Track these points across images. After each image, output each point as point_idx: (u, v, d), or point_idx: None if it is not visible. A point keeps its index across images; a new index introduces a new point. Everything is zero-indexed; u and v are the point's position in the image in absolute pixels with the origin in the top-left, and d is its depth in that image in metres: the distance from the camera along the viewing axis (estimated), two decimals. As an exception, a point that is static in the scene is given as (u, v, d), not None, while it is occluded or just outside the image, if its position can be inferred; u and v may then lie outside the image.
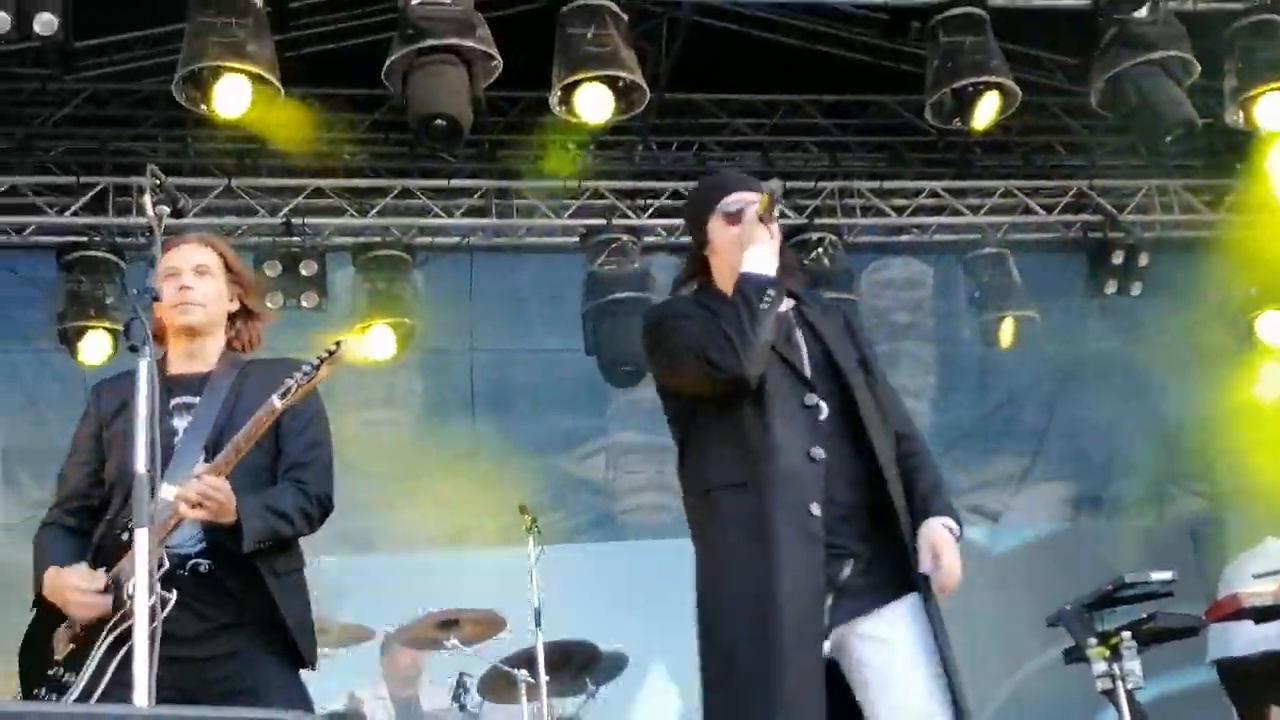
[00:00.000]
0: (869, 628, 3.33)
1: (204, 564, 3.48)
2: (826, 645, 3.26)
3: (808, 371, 3.45)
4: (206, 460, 3.46)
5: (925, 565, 3.39)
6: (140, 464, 3.14)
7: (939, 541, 3.41)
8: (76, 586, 3.43)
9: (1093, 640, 5.86)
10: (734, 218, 3.54)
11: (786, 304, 3.57)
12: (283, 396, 3.36)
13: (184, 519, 3.37)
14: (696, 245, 3.66)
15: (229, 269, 3.79)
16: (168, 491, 3.35)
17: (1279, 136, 7.92)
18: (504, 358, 9.20)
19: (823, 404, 3.42)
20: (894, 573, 3.38)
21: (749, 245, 3.44)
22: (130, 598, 3.27)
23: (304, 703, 3.51)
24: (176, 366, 3.70)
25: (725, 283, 3.53)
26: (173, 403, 3.61)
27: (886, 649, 3.31)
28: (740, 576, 3.29)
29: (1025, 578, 9.52)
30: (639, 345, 8.06)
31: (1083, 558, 9.14)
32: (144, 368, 3.23)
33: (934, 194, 9.13)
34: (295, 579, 3.63)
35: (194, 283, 3.68)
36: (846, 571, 3.32)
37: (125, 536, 3.37)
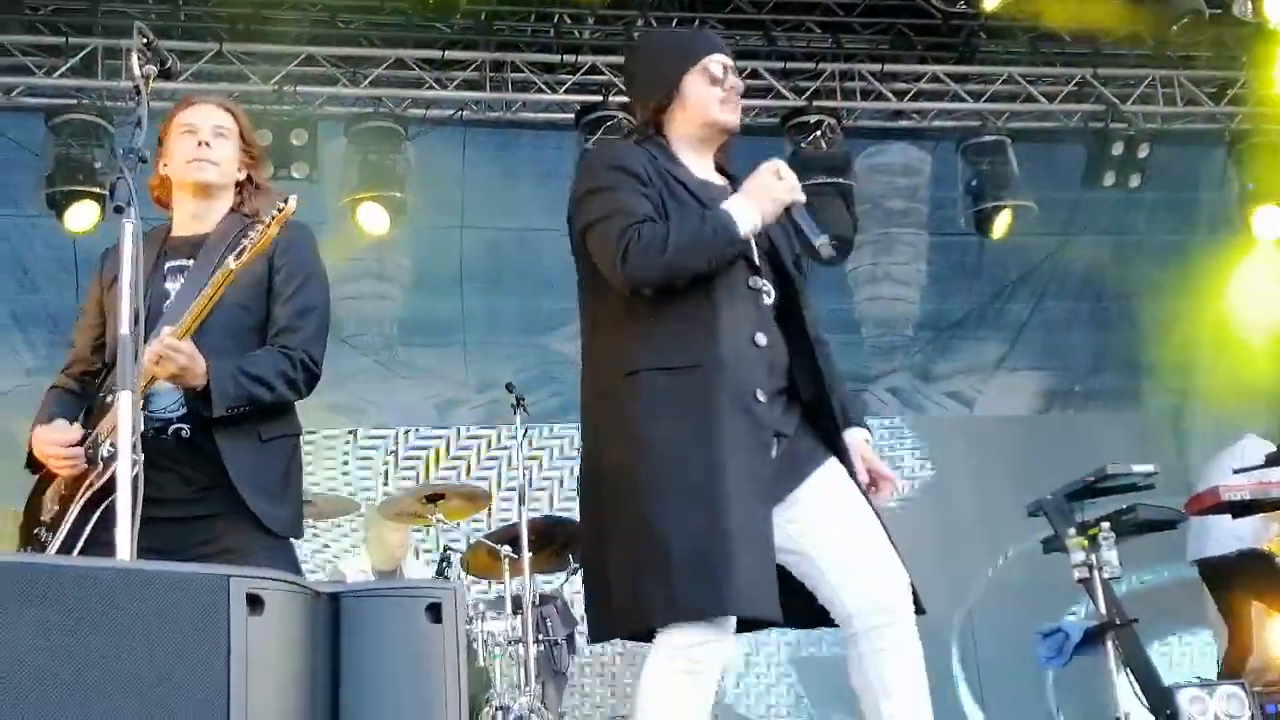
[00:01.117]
0: (804, 496, 3.24)
1: (184, 429, 3.47)
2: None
3: (754, 254, 3.33)
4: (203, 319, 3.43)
5: (863, 479, 3.37)
6: (124, 326, 3.12)
7: (869, 457, 3.42)
8: (51, 440, 3.46)
9: (1072, 530, 5.94)
10: (714, 78, 3.42)
11: (724, 180, 3.47)
12: (237, 256, 3.32)
13: (154, 381, 3.36)
14: (660, 98, 3.42)
15: (243, 137, 3.76)
16: (146, 357, 3.33)
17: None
18: (494, 235, 9.15)
19: (769, 288, 3.34)
20: (816, 444, 3.30)
21: (758, 194, 3.29)
22: (104, 458, 3.31)
23: (290, 565, 3.52)
24: (179, 228, 3.70)
25: (684, 139, 3.42)
26: (167, 265, 3.61)
27: (825, 509, 3.23)
28: (674, 459, 3.09)
29: (1005, 466, 9.59)
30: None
31: (1063, 447, 9.19)
32: (129, 229, 3.20)
33: (936, 79, 9.02)
34: (282, 444, 3.59)
35: (212, 141, 3.66)
36: (774, 453, 3.22)
37: (110, 399, 3.36)
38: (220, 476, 3.45)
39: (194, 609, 2.00)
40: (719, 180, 3.47)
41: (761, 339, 3.25)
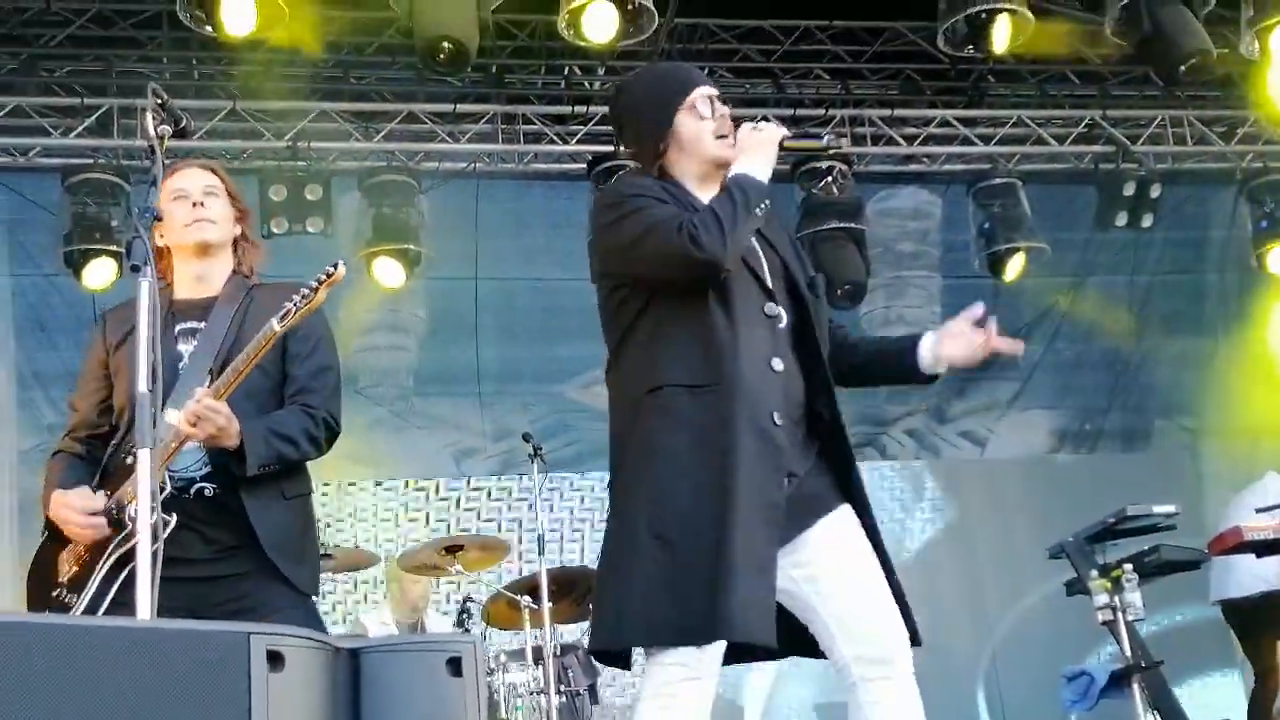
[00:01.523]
0: (811, 539, 3.22)
1: (209, 488, 3.48)
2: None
3: (769, 281, 3.34)
4: (212, 384, 3.45)
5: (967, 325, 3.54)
6: (142, 384, 3.13)
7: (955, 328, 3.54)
8: (74, 507, 3.45)
9: (1094, 572, 5.89)
10: (704, 115, 3.40)
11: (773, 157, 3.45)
12: (281, 319, 3.35)
13: (186, 441, 3.37)
14: (656, 140, 3.41)
15: (230, 194, 3.79)
16: (172, 416, 3.35)
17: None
18: (509, 286, 9.18)
19: (783, 314, 3.32)
20: (830, 488, 3.30)
21: (756, 152, 3.32)
22: (132, 520, 3.30)
23: (315, 621, 3.52)
24: (183, 292, 3.70)
25: (687, 177, 3.41)
26: (178, 328, 3.61)
27: (833, 558, 3.22)
28: (687, 478, 3.10)
29: (1024, 508, 9.56)
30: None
31: (1081, 488, 9.16)
32: (145, 287, 3.21)
33: (945, 123, 9.04)
34: (303, 503, 3.63)
35: (203, 200, 3.69)
36: (787, 490, 3.18)
37: (129, 460, 3.36)
38: (245, 536, 3.45)
39: (215, 667, 1.99)
40: None
41: (778, 364, 3.24)
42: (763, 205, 3.23)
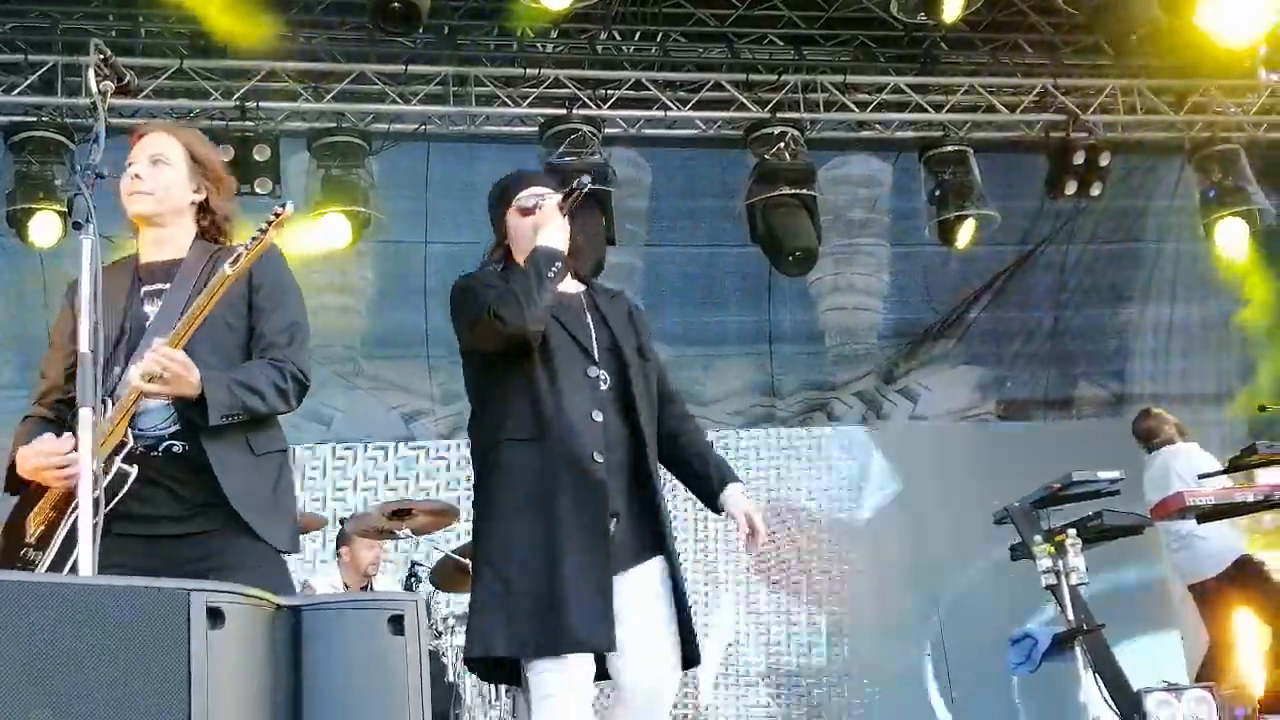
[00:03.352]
0: (628, 580, 3.69)
1: (178, 445, 3.43)
2: None
3: (594, 349, 3.85)
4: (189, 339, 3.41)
5: (743, 534, 3.88)
6: (83, 344, 3.11)
7: (751, 510, 3.90)
8: (41, 451, 3.39)
9: (1039, 537, 5.96)
10: (527, 210, 3.89)
11: (578, 288, 3.98)
12: (232, 263, 3.33)
13: (143, 393, 3.31)
14: (498, 235, 4.00)
15: (194, 158, 3.70)
16: (134, 373, 3.31)
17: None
18: (458, 250, 9.14)
19: (604, 375, 3.82)
20: (647, 534, 3.78)
21: (544, 226, 3.81)
22: (93, 475, 3.26)
23: (284, 580, 3.49)
24: (147, 256, 3.66)
25: (521, 254, 3.87)
26: (144, 290, 3.57)
27: (638, 601, 3.69)
28: (522, 517, 3.64)
29: (972, 474, 9.66)
30: (597, 240, 8.09)
31: (1030, 454, 9.26)
32: (87, 245, 3.19)
33: (898, 90, 9.06)
34: (273, 459, 3.56)
35: (145, 173, 3.62)
36: (612, 527, 3.68)
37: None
38: (214, 493, 3.41)
39: (155, 624, 1.98)
40: (574, 288, 3.98)
41: (598, 416, 3.75)
42: (554, 268, 3.73)
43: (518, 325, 3.67)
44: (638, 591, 3.70)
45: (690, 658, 3.77)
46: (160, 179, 3.64)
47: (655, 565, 3.78)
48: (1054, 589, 5.89)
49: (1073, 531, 5.87)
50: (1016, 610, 8.22)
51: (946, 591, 9.64)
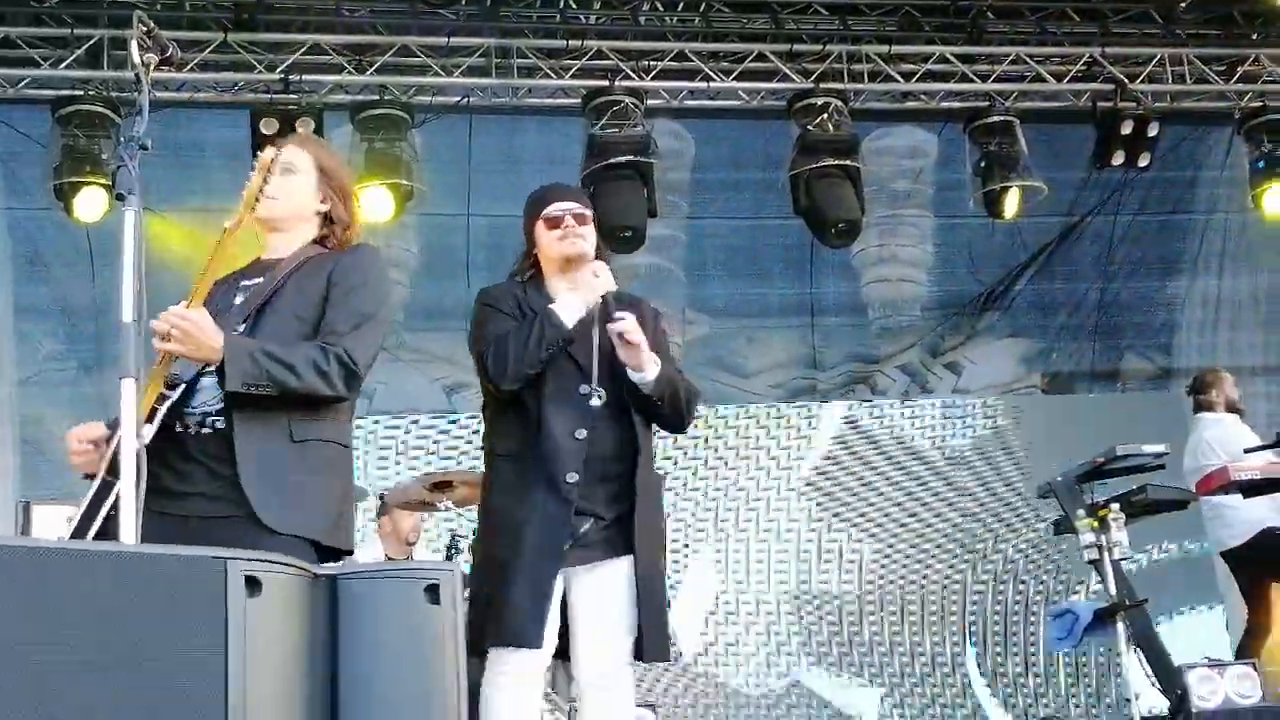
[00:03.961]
0: (590, 576, 4.00)
1: (220, 422, 3.40)
2: (559, 582, 3.95)
3: (594, 365, 4.08)
4: (259, 319, 3.49)
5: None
6: (126, 314, 3.13)
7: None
8: (74, 435, 3.44)
9: (1081, 512, 5.93)
10: (553, 222, 4.15)
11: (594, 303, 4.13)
12: (230, 220, 3.44)
13: (169, 355, 3.32)
14: (528, 244, 4.25)
15: (322, 169, 3.75)
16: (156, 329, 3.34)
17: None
18: (501, 223, 9.14)
19: (600, 392, 4.07)
20: (617, 540, 4.02)
21: (571, 286, 4.09)
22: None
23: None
24: (265, 255, 3.73)
25: (550, 274, 4.19)
26: (241, 283, 3.62)
27: (596, 595, 4.00)
28: (495, 529, 4.05)
29: (1016, 448, 9.63)
30: (639, 210, 8.20)
31: (1073, 428, 9.21)
32: (130, 217, 3.21)
33: (943, 59, 8.98)
34: (319, 449, 3.48)
35: (275, 179, 3.64)
36: (586, 527, 3.98)
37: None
38: (226, 478, 3.37)
39: (192, 592, 2.00)
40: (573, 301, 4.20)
41: (581, 434, 4.01)
42: (550, 348, 4.00)
43: (497, 380, 4.02)
44: (599, 588, 4.01)
45: (652, 652, 4.02)
46: (286, 186, 3.69)
47: (622, 564, 4.03)
48: (1096, 563, 5.87)
49: (1116, 506, 5.84)
50: (1058, 585, 8.19)
51: (988, 566, 9.61)
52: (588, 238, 4.17)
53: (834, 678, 9.36)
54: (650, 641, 4.01)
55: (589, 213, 4.23)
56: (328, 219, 3.76)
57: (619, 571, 4.03)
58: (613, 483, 4.06)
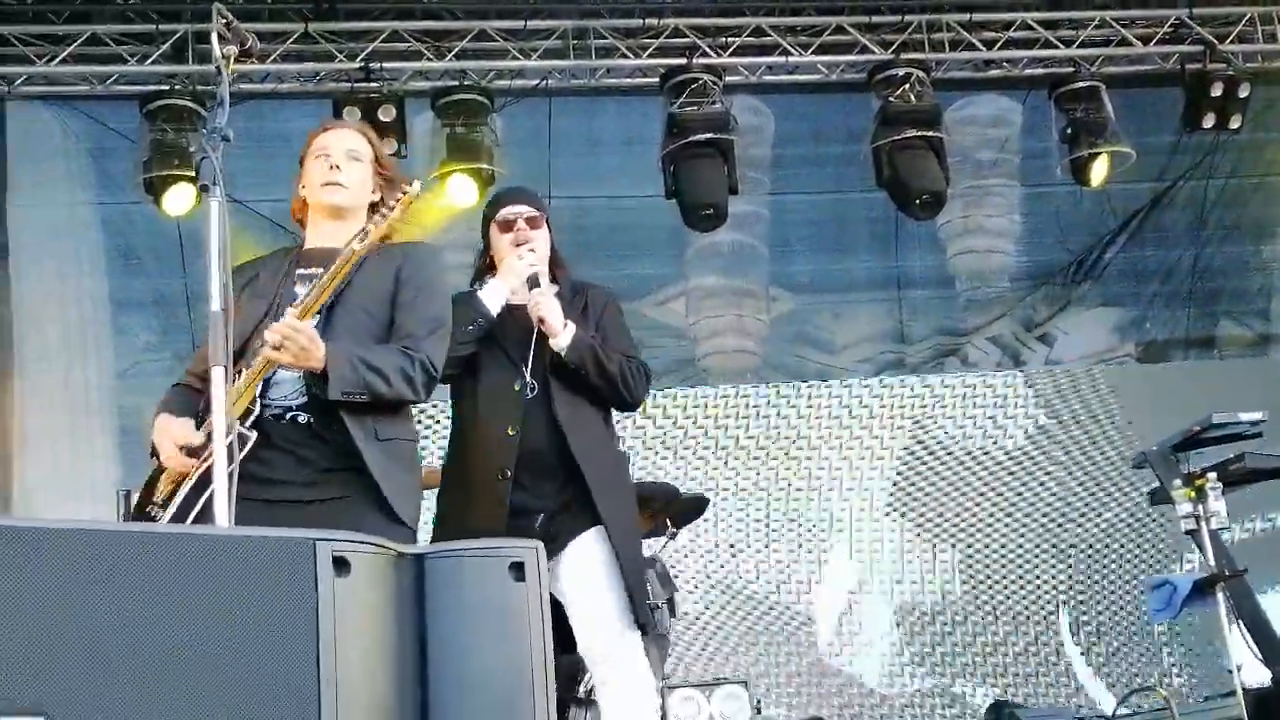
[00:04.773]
0: (563, 562, 4.05)
1: (302, 416, 3.52)
2: None
3: (529, 358, 4.21)
4: (331, 317, 3.54)
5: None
6: (214, 303, 3.18)
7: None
8: (172, 435, 3.49)
9: (1178, 481, 5.82)
10: (504, 226, 4.38)
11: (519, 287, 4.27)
12: (361, 240, 3.46)
13: (273, 363, 3.42)
14: (484, 247, 4.48)
15: (377, 160, 3.83)
16: (269, 336, 3.43)
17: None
18: (582, 204, 9.17)
19: (533, 384, 4.19)
20: (578, 517, 4.09)
21: (502, 274, 4.28)
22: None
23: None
24: (313, 242, 3.78)
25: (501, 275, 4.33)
26: (299, 273, 3.67)
27: (571, 575, 4.06)
28: (448, 532, 4.08)
29: (1111, 417, 9.49)
30: (720, 188, 8.23)
31: (1168, 397, 9.06)
32: (215, 207, 3.26)
33: (1026, 26, 8.84)
34: (397, 447, 3.60)
35: (344, 164, 3.73)
36: (538, 523, 4.06)
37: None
38: (338, 460, 3.49)
39: (281, 572, 2.03)
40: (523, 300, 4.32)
41: (513, 431, 4.11)
42: (475, 324, 4.15)
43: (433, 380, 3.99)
44: (577, 565, 4.06)
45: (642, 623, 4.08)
46: (355, 174, 3.76)
47: (591, 535, 4.08)
48: (1194, 534, 5.76)
49: (1213, 475, 5.72)
50: (1155, 556, 8.07)
51: (1084, 537, 9.50)
52: (538, 240, 4.35)
53: (929, 660, 9.33)
54: (638, 612, 4.05)
55: (541, 214, 4.42)
56: (372, 207, 3.77)
57: (588, 544, 4.08)
58: (555, 472, 4.13)
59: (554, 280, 4.43)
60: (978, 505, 9.60)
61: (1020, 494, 9.64)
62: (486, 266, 4.45)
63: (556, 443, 4.13)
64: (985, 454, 9.73)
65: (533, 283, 4.27)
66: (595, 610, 4.03)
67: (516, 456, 4.09)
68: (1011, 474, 9.71)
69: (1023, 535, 9.56)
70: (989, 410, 9.88)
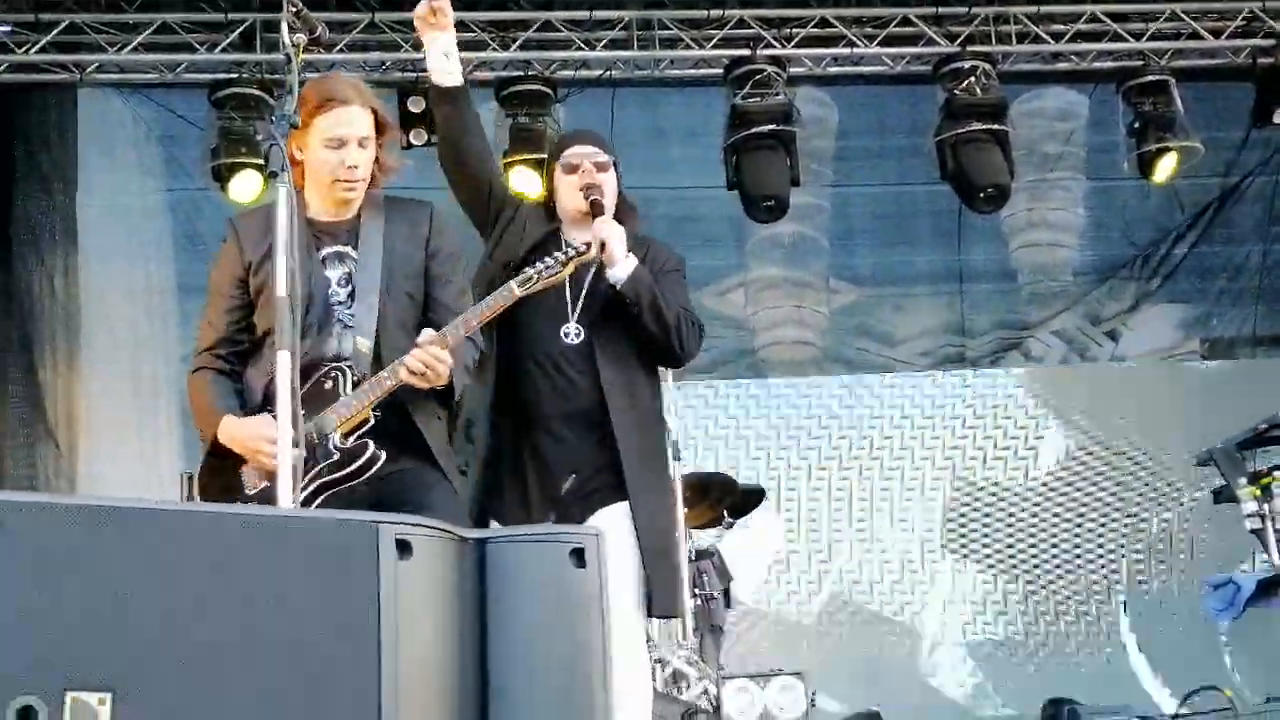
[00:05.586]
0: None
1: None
2: None
3: (579, 303, 4.00)
4: (382, 311, 3.60)
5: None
6: (281, 289, 3.21)
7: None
8: (261, 437, 3.45)
9: (1243, 480, 5.77)
10: (569, 168, 4.11)
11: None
12: (522, 285, 3.62)
13: (402, 383, 3.50)
14: (547, 187, 4.26)
15: (377, 121, 3.73)
16: (364, 344, 3.55)
17: None
18: (645, 195, 9.14)
19: (579, 330, 3.98)
20: (610, 487, 3.91)
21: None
22: (337, 449, 3.49)
23: (460, 511, 3.67)
24: (322, 214, 3.73)
25: (563, 211, 4.15)
26: (323, 252, 3.66)
27: None
28: (506, 486, 3.99)
29: (1175, 415, 9.40)
30: (781, 179, 8.16)
31: (1233, 395, 8.95)
32: (283, 194, 3.30)
33: (1094, 18, 8.74)
34: (449, 420, 3.76)
35: (358, 159, 3.65)
36: (566, 485, 3.89)
37: (328, 384, 3.53)
38: (406, 441, 3.59)
39: (345, 555, 2.05)
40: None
41: (561, 379, 3.95)
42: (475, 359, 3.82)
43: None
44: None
45: (661, 606, 3.91)
46: (366, 158, 3.68)
47: (619, 510, 3.89)
48: (1259, 533, 5.71)
49: (1279, 473, 5.67)
50: (1221, 554, 7.98)
51: (1147, 535, 9.41)
52: (606, 185, 4.09)
53: (992, 636, 9.30)
54: (659, 595, 3.87)
55: (610, 159, 4.15)
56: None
57: (615, 519, 3.86)
58: (591, 429, 3.94)
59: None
60: (1037, 503, 9.53)
61: (1081, 489, 9.55)
62: (548, 210, 4.22)
63: (595, 398, 3.95)
64: (1049, 447, 9.67)
65: (596, 209, 4.03)
66: (617, 594, 3.97)
67: (554, 405, 3.95)
68: (1074, 471, 9.63)
69: (1082, 531, 9.48)
70: (1051, 404, 9.81)
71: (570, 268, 3.67)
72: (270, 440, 3.37)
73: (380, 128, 3.73)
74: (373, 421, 3.53)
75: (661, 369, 4.30)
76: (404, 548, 2.06)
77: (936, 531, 9.48)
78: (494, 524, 3.96)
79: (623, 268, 3.95)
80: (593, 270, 4.01)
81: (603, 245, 3.94)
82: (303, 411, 3.21)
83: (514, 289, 3.61)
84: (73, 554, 1.96)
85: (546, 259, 3.68)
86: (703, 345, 4.30)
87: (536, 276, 3.63)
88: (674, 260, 4.24)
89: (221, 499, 3.59)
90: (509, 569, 2.15)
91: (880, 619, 9.34)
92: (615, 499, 3.89)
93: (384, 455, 3.49)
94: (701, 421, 9.22)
